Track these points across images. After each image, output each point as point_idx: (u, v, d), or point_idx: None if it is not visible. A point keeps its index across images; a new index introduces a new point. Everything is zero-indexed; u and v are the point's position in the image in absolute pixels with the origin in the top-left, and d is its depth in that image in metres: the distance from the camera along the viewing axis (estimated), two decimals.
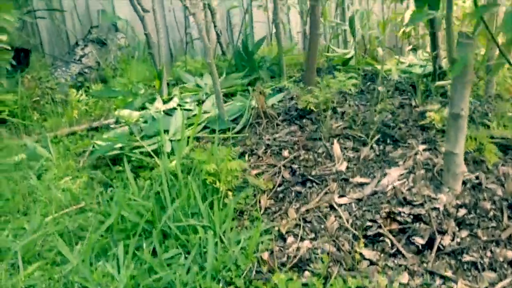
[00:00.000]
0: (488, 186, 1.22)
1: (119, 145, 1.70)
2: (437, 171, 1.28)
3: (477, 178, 1.24)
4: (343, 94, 2.01)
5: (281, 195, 1.37)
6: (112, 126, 2.04)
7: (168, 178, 1.46)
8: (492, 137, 1.33)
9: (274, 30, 2.99)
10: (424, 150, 1.43)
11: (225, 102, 2.21)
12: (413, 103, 1.91)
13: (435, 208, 1.14)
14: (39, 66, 2.60)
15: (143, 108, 2.18)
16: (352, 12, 2.65)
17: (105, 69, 2.67)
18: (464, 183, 1.22)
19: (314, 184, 1.37)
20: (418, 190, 1.20)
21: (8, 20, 2.18)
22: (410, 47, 2.83)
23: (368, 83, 2.28)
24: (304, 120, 1.84)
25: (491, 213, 1.14)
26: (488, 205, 1.15)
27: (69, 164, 1.79)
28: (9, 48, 2.37)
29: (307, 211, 1.25)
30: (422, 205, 1.16)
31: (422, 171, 1.30)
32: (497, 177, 1.26)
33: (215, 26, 2.76)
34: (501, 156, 1.33)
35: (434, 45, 2.23)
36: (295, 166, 1.48)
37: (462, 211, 1.14)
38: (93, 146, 1.77)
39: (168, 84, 2.43)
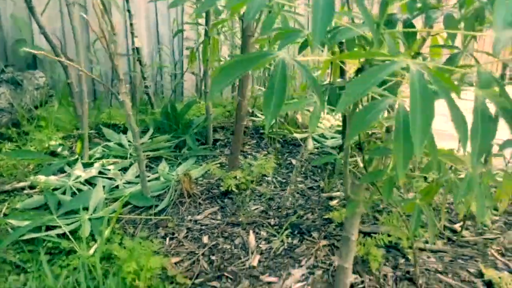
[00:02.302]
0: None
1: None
2: (332, 273, 1.51)
3: (362, 282, 1.50)
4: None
5: None
6: (25, 192, 1.95)
7: (87, 270, 1.48)
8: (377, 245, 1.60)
9: (202, 87, 3.09)
10: (324, 246, 1.67)
11: (150, 167, 2.26)
12: (321, 184, 2.17)
13: None
14: None
15: (61, 170, 2.12)
16: None
17: (19, 112, 2.51)
18: (352, 286, 1.47)
19: (229, 280, 1.51)
20: None
21: None
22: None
23: (286, 155, 2.51)
24: (225, 200, 1.98)
25: None
26: None
27: None
28: None
29: None
30: None
31: (320, 272, 1.52)
32: (378, 278, 1.53)
33: (144, 80, 2.77)
34: (384, 256, 1.61)
35: (345, 125, 2.54)
36: (213, 257, 1.61)
37: None
38: (6, 223, 1.69)
39: (89, 137, 2.39)
